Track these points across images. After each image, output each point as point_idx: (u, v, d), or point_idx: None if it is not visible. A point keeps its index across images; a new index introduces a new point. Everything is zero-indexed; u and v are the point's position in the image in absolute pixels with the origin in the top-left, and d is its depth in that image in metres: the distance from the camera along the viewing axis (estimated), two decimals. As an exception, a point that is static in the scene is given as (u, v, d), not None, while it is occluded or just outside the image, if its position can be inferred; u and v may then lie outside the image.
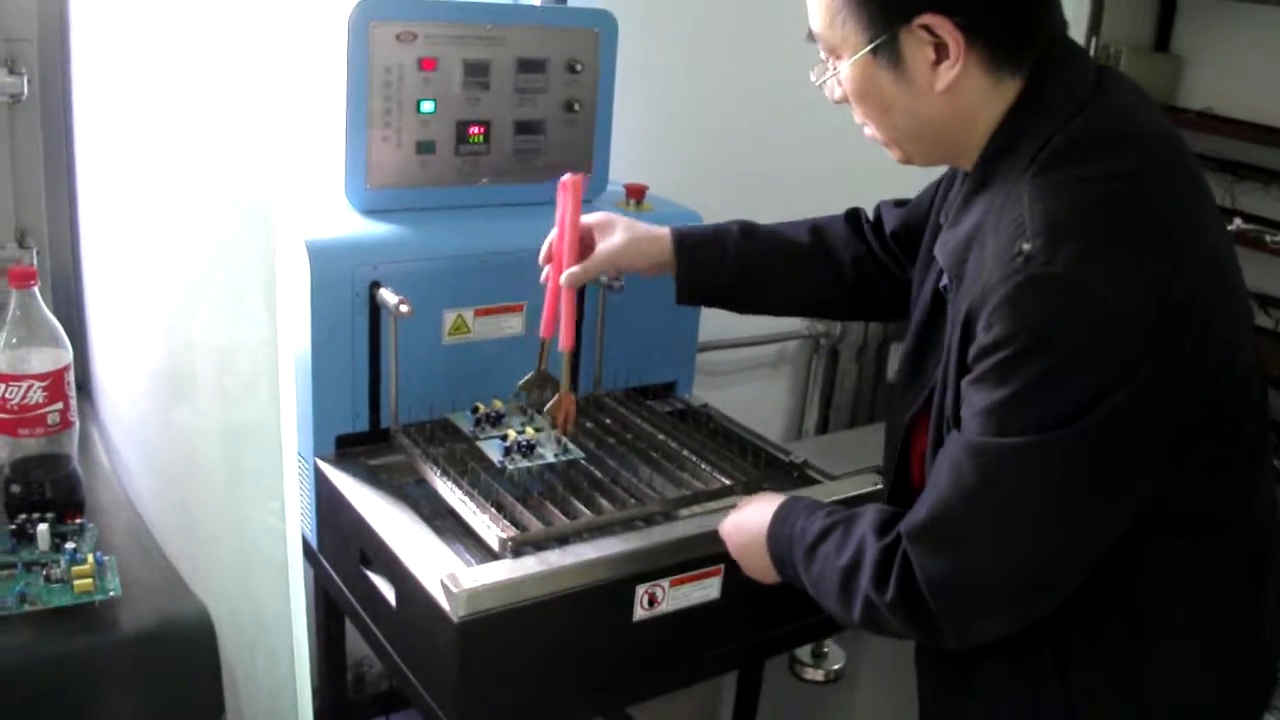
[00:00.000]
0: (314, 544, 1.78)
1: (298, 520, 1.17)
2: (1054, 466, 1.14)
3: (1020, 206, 1.17)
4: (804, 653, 1.99)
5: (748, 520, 1.47)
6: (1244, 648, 1.34)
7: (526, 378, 1.69)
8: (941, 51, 1.21)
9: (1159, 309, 1.11)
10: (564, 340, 1.62)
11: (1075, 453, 1.13)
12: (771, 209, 2.92)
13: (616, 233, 1.65)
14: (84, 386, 1.86)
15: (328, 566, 1.75)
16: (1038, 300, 1.12)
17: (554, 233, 1.64)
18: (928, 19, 1.20)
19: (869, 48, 1.25)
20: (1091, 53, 3.50)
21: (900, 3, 1.21)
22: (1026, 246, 1.13)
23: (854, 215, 1.75)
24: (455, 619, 1.35)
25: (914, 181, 3.23)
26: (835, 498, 1.67)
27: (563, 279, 1.61)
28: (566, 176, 1.62)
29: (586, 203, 1.95)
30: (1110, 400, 1.10)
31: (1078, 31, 3.51)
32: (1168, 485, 1.20)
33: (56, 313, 1.51)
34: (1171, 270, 1.13)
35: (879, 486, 1.71)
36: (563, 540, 1.51)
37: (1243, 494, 1.28)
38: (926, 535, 1.20)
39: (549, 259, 1.65)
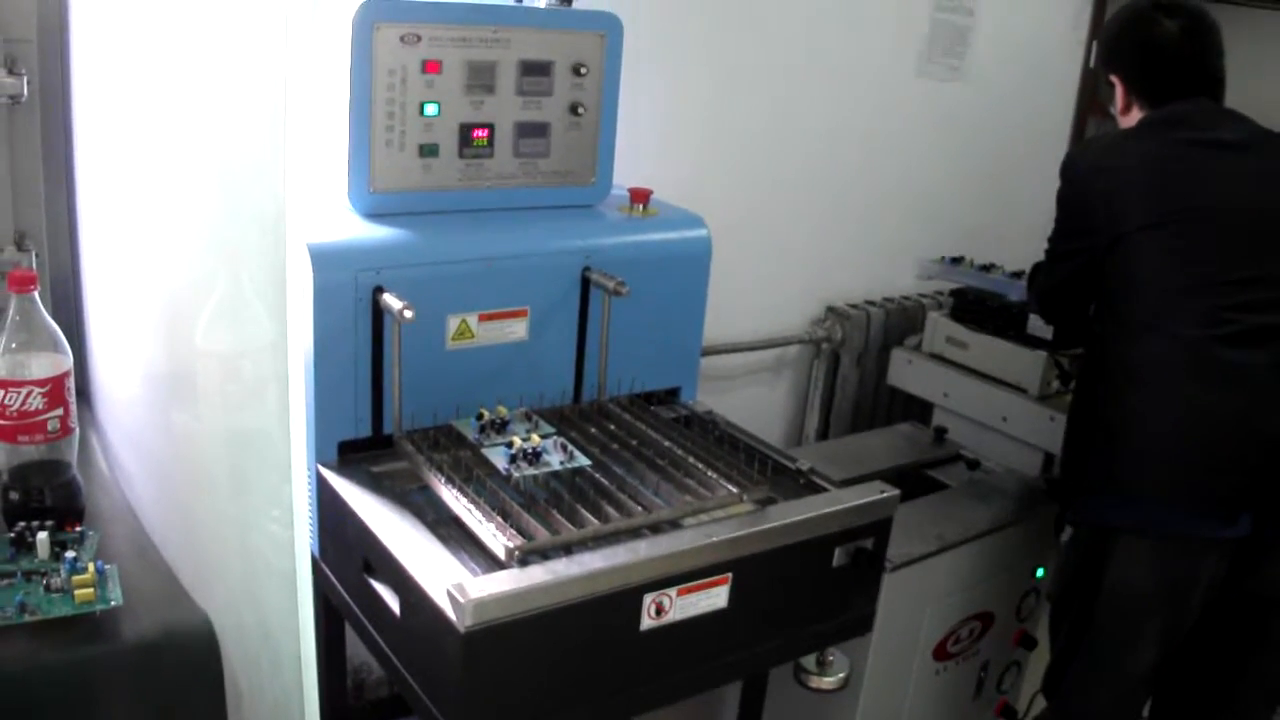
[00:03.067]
0: (315, 551, 1.76)
1: (306, 528, 1.15)
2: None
3: None
4: (809, 660, 1.97)
5: None
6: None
7: None
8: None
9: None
10: None
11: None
12: (776, 212, 2.93)
13: None
14: (83, 392, 1.85)
15: (329, 574, 1.73)
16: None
17: None
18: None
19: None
20: (1093, 59, 3.50)
21: None
22: None
23: None
24: (462, 629, 1.33)
25: (916, 183, 3.23)
26: (843, 506, 1.67)
27: None
28: None
29: (588, 207, 1.95)
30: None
31: (1078, 36, 3.51)
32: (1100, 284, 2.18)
33: (55, 317, 1.49)
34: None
35: (885, 495, 1.70)
36: (569, 549, 1.49)
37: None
38: None
39: None
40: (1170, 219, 2.08)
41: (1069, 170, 2.24)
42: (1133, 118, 2.26)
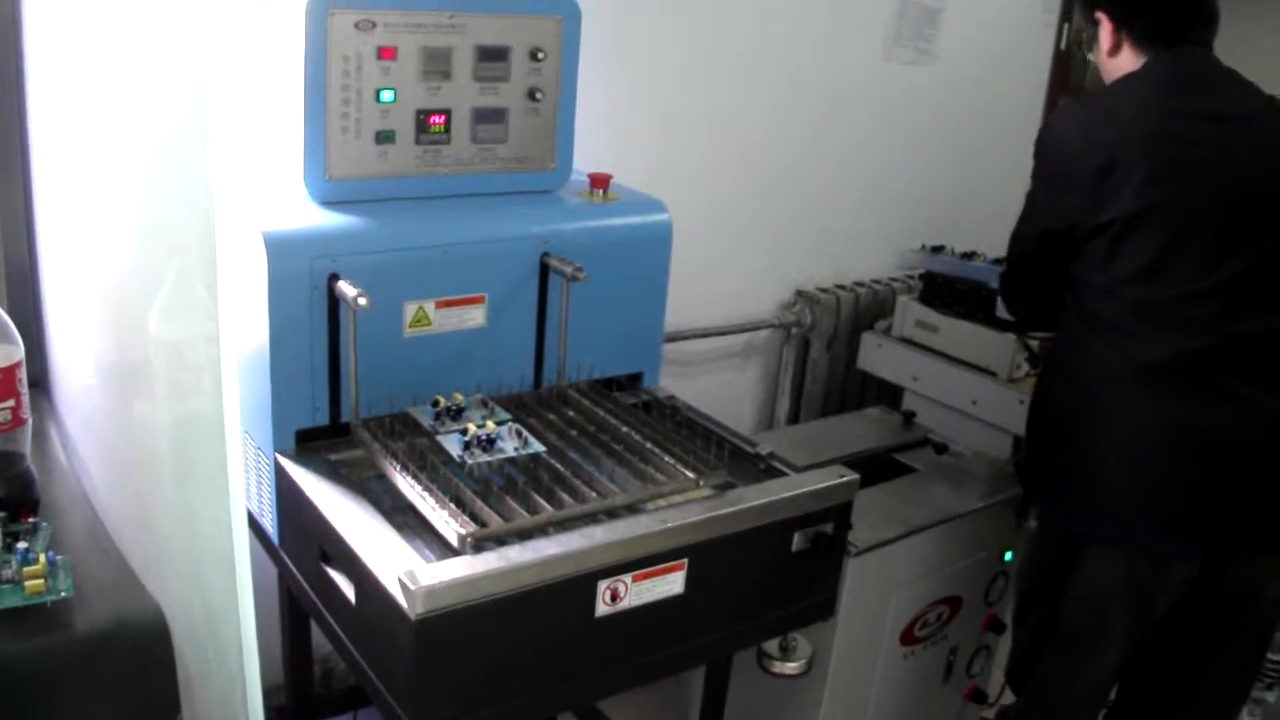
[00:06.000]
0: (276, 541, 1.76)
1: (243, 515, 1.15)
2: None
3: None
4: (771, 646, 1.98)
5: None
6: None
7: None
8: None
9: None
10: None
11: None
12: (744, 197, 2.93)
13: None
14: (42, 383, 1.84)
15: (289, 563, 1.73)
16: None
17: None
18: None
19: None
20: (1064, 41, 3.51)
21: None
22: None
23: None
24: (413, 616, 1.33)
25: (885, 166, 3.23)
26: (801, 491, 1.67)
27: None
28: None
29: (547, 193, 1.94)
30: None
31: (1049, 19, 3.51)
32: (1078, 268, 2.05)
33: (13, 307, 1.48)
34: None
35: (844, 479, 1.70)
36: (523, 535, 1.49)
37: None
38: None
39: None
40: (1162, 207, 1.95)
41: (1054, 137, 2.09)
42: (1121, 61, 2.08)
